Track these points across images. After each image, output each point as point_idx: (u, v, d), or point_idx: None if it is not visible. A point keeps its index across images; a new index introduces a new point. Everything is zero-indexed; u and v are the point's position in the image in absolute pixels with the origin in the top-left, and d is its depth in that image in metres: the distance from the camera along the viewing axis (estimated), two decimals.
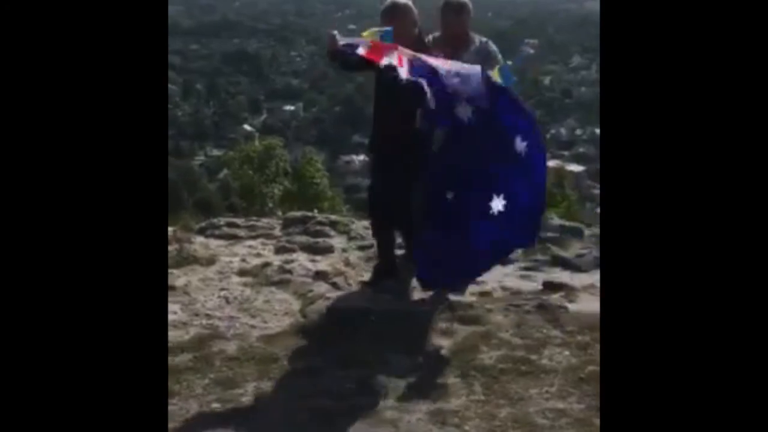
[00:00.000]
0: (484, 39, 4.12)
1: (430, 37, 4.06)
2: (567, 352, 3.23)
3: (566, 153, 54.16)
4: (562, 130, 63.67)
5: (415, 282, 3.99)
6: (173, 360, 3.11)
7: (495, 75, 3.49)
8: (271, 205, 15.32)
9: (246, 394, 2.84)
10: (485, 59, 3.86)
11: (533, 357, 3.19)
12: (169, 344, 3.25)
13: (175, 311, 3.61)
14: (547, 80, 76.95)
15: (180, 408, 2.73)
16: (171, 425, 2.60)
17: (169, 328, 3.42)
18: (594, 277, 4.11)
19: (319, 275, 4.24)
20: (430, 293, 3.86)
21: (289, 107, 67.07)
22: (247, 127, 59.82)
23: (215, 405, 2.76)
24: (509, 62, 3.72)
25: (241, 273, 4.29)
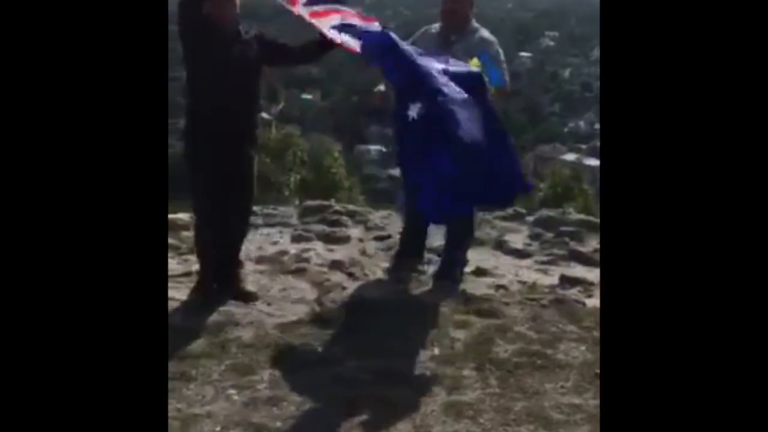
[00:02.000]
0: (488, 33, 3.96)
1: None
2: (583, 347, 3.22)
3: (584, 146, 53.69)
4: (581, 124, 63.11)
5: (429, 274, 4.00)
6: (190, 345, 3.14)
7: (475, 64, 3.47)
8: (287, 193, 15.35)
9: (262, 381, 2.86)
10: (478, 46, 3.77)
11: (549, 351, 3.18)
12: (186, 330, 3.29)
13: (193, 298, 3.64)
14: (566, 73, 76.32)
15: (196, 393, 2.75)
16: (188, 410, 2.63)
17: (186, 314, 3.46)
18: None
19: (336, 265, 4.24)
20: (445, 284, 3.86)
21: (307, 96, 67.06)
22: (264, 115, 59.86)
23: (231, 391, 2.78)
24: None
25: (258, 261, 4.31)
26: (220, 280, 3.66)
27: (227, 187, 3.49)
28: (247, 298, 3.65)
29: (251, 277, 3.87)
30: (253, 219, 5.49)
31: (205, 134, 3.40)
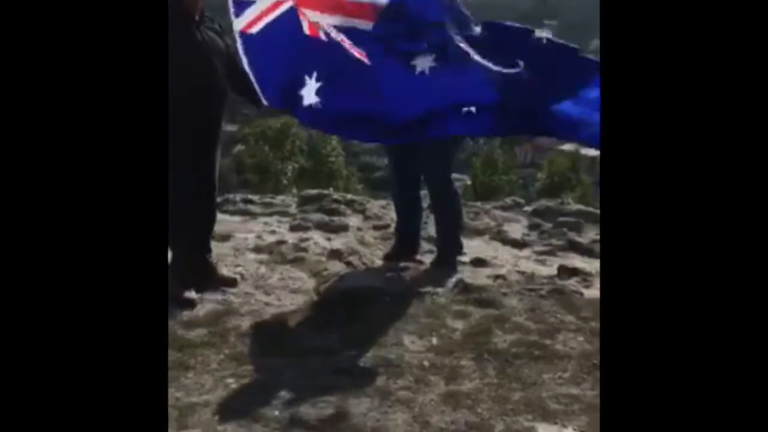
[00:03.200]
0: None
1: None
2: (581, 338, 3.22)
3: None
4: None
5: (426, 264, 4.00)
6: (189, 334, 3.14)
7: None
8: (285, 182, 15.36)
9: (260, 370, 2.86)
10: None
11: (547, 342, 3.18)
12: (185, 319, 3.29)
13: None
14: None
15: (195, 382, 2.76)
16: (187, 399, 2.63)
17: (185, 303, 3.45)
18: None
19: (334, 254, 4.24)
20: (443, 272, 3.87)
21: None
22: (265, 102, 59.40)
23: (229, 380, 2.78)
24: None
25: (256, 250, 4.31)
26: (195, 268, 3.61)
27: (191, 175, 3.41)
28: (227, 283, 3.63)
29: (231, 263, 3.84)
30: (251, 208, 5.51)
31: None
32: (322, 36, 3.01)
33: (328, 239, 4.66)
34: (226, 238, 4.48)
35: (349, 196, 5.87)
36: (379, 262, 4.16)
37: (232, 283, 3.67)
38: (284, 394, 2.68)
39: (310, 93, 3.14)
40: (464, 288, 3.71)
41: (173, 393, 2.66)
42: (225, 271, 3.78)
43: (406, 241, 4.20)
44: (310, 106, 3.21)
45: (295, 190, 6.11)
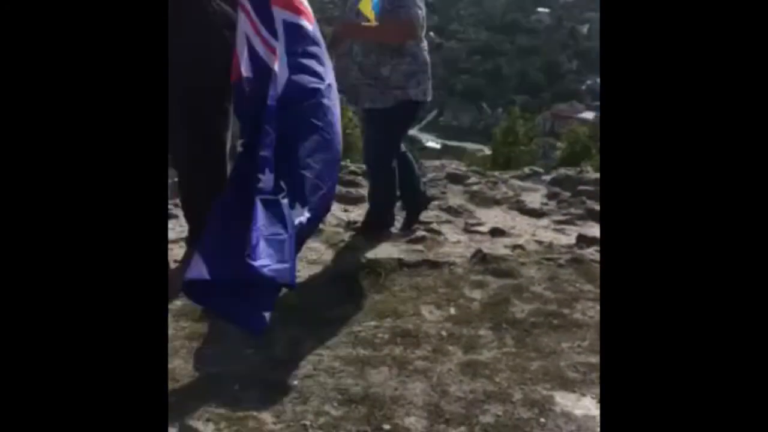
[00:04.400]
0: None
1: None
2: (599, 307, 3.20)
3: None
4: (599, 81, 62.20)
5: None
6: None
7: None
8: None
9: (279, 341, 2.88)
10: None
11: (565, 311, 3.17)
12: None
13: None
14: (585, 29, 74.84)
15: (214, 353, 2.79)
16: (208, 369, 2.66)
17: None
18: None
19: (351, 225, 4.25)
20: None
21: None
22: None
23: (249, 350, 2.80)
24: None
25: None
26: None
27: (196, 142, 3.30)
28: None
29: None
30: None
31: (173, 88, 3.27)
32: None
33: (345, 210, 4.66)
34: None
35: (366, 168, 5.84)
36: (396, 233, 4.15)
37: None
38: (304, 364, 2.71)
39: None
40: (482, 258, 3.70)
41: (194, 363, 2.69)
42: None
43: (383, 217, 4.16)
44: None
45: None
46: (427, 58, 3.86)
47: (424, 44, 3.85)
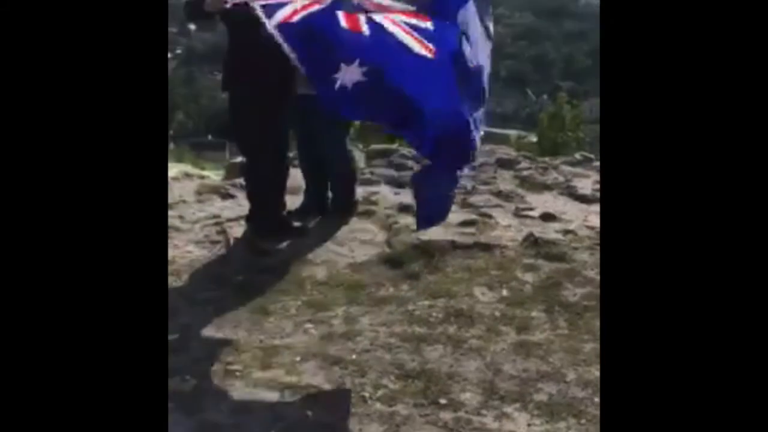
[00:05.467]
0: None
1: None
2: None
3: None
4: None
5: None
6: (264, 280, 3.29)
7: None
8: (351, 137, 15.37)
9: (337, 317, 2.98)
10: None
11: None
12: (258, 268, 3.44)
13: None
14: None
15: (276, 326, 2.89)
16: (269, 341, 2.77)
17: (261, 252, 3.60)
18: None
19: (403, 208, 4.31)
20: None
21: None
22: None
23: (308, 325, 2.90)
24: None
25: None
26: (270, 221, 3.76)
27: (267, 137, 3.61)
28: (300, 233, 3.80)
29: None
30: None
31: (246, 84, 3.48)
32: (365, 30, 2.93)
33: (396, 194, 4.72)
34: (297, 191, 4.59)
35: (415, 152, 5.87)
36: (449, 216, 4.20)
37: (303, 233, 3.81)
38: (361, 339, 2.79)
39: (350, 76, 2.99)
40: (534, 242, 3.73)
41: (257, 336, 2.81)
42: (297, 223, 3.91)
43: (313, 200, 4.20)
44: (345, 88, 3.02)
45: (361, 146, 6.14)
46: None
47: None
